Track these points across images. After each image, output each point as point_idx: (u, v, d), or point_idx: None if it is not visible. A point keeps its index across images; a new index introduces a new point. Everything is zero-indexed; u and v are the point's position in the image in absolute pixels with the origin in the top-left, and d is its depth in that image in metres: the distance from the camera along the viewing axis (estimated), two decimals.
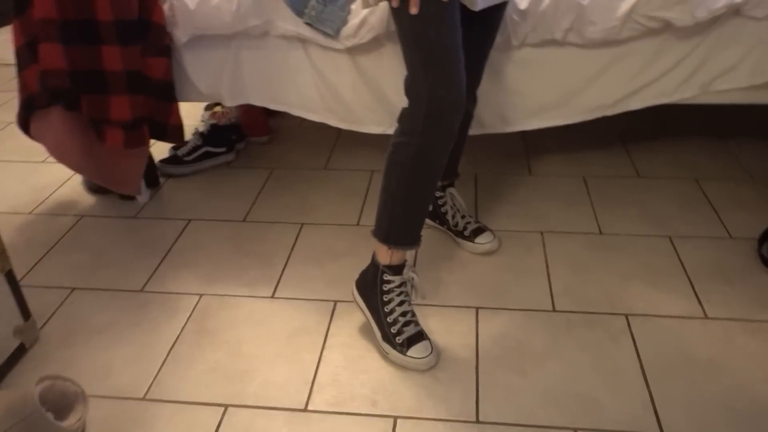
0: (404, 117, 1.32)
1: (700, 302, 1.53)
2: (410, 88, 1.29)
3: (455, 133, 1.28)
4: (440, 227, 1.78)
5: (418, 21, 1.22)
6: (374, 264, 1.42)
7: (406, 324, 1.38)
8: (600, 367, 1.36)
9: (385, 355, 1.39)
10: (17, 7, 1.60)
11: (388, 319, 1.39)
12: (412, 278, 1.41)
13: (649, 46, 1.63)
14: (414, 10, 1.19)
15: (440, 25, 1.22)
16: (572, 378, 1.33)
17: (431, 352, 1.36)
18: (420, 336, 1.38)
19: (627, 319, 1.48)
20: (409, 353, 1.36)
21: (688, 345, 1.41)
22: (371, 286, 1.42)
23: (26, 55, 1.63)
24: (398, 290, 1.41)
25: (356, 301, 1.47)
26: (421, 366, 1.35)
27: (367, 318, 1.44)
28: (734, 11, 1.56)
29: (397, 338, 1.37)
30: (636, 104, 1.72)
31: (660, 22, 1.56)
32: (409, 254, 1.55)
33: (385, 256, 1.39)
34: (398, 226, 1.37)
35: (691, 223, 1.82)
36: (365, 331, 1.47)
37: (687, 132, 2.31)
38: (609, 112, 1.75)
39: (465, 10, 1.30)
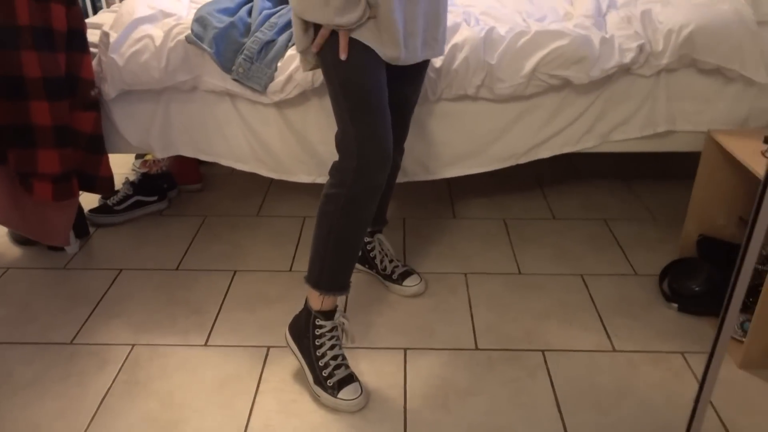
0: (335, 170, 1.40)
1: (608, 336, 1.65)
2: (340, 143, 1.38)
3: (383, 185, 1.38)
4: (369, 271, 1.86)
5: (347, 76, 1.32)
6: (306, 309, 1.48)
7: (337, 367, 1.44)
8: (519, 401, 1.45)
9: (316, 398, 1.44)
10: None
11: (319, 363, 1.45)
12: (343, 323, 1.48)
13: (553, 101, 1.79)
14: (343, 55, 1.29)
15: (368, 81, 1.32)
16: (494, 413, 1.42)
17: (361, 394, 1.42)
18: (350, 378, 1.44)
19: (543, 355, 1.59)
20: (339, 395, 1.41)
21: (598, 376, 1.52)
22: (303, 331, 1.48)
23: None
24: (329, 335, 1.47)
25: (289, 346, 1.52)
26: (351, 407, 1.41)
27: (299, 362, 1.49)
28: (625, 70, 1.74)
29: (329, 381, 1.42)
30: (545, 153, 1.87)
31: (560, 79, 1.72)
32: (340, 299, 1.61)
33: (317, 301, 1.45)
34: (329, 273, 1.43)
35: (601, 261, 1.96)
36: (298, 375, 1.51)
37: (597, 176, 2.50)
38: (522, 161, 1.89)
39: (391, 68, 1.41)
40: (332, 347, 1.46)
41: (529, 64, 1.69)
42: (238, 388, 1.49)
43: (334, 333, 1.47)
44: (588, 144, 1.85)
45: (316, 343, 1.46)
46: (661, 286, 1.82)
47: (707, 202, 1.82)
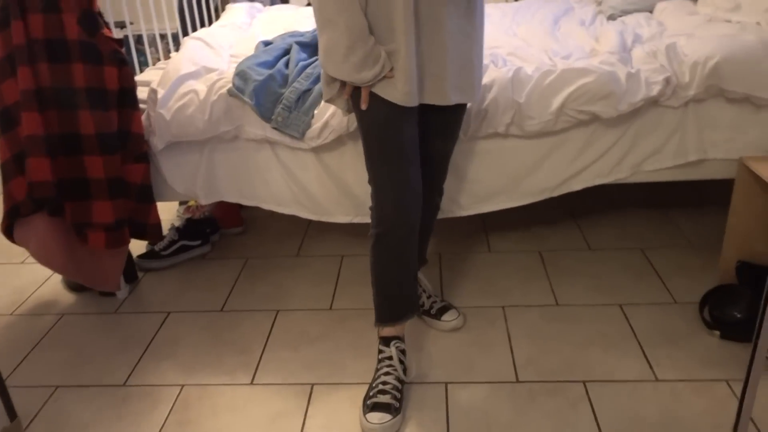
0: (373, 212, 1.50)
1: (650, 365, 1.65)
2: (371, 186, 1.47)
3: (412, 224, 1.46)
4: None
5: (369, 127, 1.41)
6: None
7: (381, 392, 1.51)
8: None
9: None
10: (4, 125, 1.73)
11: (372, 383, 1.55)
12: (395, 353, 1.56)
13: (582, 135, 1.83)
14: (363, 106, 1.39)
15: (389, 134, 1.41)
16: None
17: (385, 422, 1.46)
18: (386, 407, 1.48)
19: (585, 386, 1.59)
20: (367, 416, 1.47)
21: (641, 406, 1.52)
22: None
23: (12, 168, 1.74)
24: (387, 361, 1.56)
25: None
26: (367, 429, 1.46)
27: None
28: (652, 102, 1.78)
29: (368, 401, 1.51)
30: (577, 186, 1.90)
31: (588, 114, 1.76)
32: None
33: (379, 330, 1.61)
34: (378, 305, 1.58)
35: (640, 290, 1.96)
36: (343, 411, 1.55)
37: (631, 205, 2.51)
38: (554, 194, 1.92)
39: (427, 119, 1.51)
40: (386, 373, 1.54)
41: (557, 101, 1.74)
42: (285, 425, 1.53)
43: (390, 362, 1.55)
44: (620, 175, 1.87)
45: (377, 366, 1.57)
46: (702, 313, 1.81)
47: (744, 228, 1.82)
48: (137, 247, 2.32)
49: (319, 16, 1.34)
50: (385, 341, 1.58)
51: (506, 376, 1.64)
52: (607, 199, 2.57)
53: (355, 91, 1.41)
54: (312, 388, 1.64)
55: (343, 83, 1.42)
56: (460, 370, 1.67)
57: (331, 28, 1.32)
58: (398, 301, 1.57)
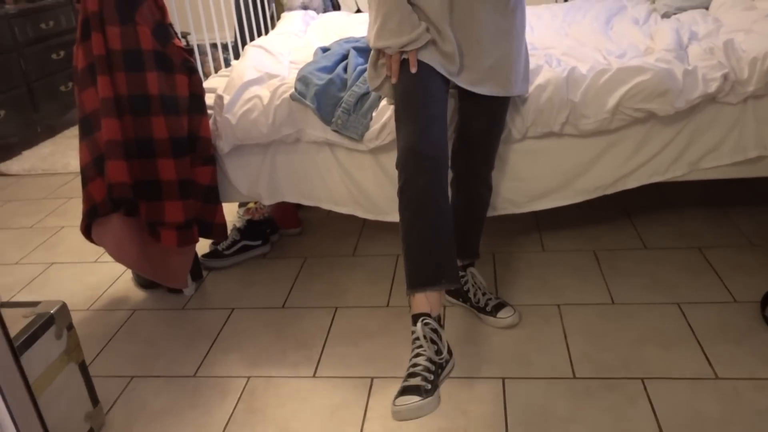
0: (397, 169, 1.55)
1: (710, 363, 1.64)
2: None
3: (432, 174, 1.46)
4: (464, 305, 1.94)
5: (400, 86, 1.55)
6: None
7: (411, 375, 1.35)
8: (620, 428, 1.47)
9: None
10: (85, 131, 1.85)
11: (407, 368, 1.39)
12: (421, 332, 1.40)
13: (638, 133, 1.84)
14: (394, 79, 1.55)
15: (414, 86, 1.53)
16: None
17: (411, 404, 1.29)
18: (415, 390, 1.32)
19: (643, 383, 1.60)
20: (395, 401, 1.31)
21: (701, 404, 1.52)
22: None
23: (92, 171, 1.87)
24: (416, 342, 1.41)
25: None
26: (392, 411, 1.30)
27: None
28: (710, 99, 1.77)
29: (401, 386, 1.35)
30: (632, 183, 1.90)
31: (645, 112, 1.77)
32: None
33: (411, 303, 1.47)
34: (409, 269, 1.47)
35: (698, 289, 1.95)
36: None
37: (687, 203, 2.48)
38: (609, 191, 1.93)
39: (465, 97, 1.64)
40: (416, 355, 1.38)
41: (613, 100, 1.75)
42: (347, 416, 1.59)
43: (418, 342, 1.40)
44: (677, 173, 1.87)
45: (411, 349, 1.42)
46: (764, 312, 1.79)
47: None
48: (202, 247, 2.43)
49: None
50: (414, 320, 1.44)
51: (563, 372, 1.66)
52: (662, 198, 2.55)
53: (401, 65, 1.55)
54: (372, 382, 1.70)
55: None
56: (516, 366, 1.70)
57: (374, 4, 1.49)
58: (425, 265, 1.44)
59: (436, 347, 1.41)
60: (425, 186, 1.46)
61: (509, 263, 2.20)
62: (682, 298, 1.92)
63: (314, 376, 1.74)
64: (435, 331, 1.43)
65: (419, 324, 1.42)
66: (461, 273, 1.91)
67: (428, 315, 1.44)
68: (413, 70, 1.50)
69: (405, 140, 1.50)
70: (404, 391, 1.33)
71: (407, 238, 1.49)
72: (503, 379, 1.66)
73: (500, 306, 1.87)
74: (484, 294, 1.89)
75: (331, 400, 1.64)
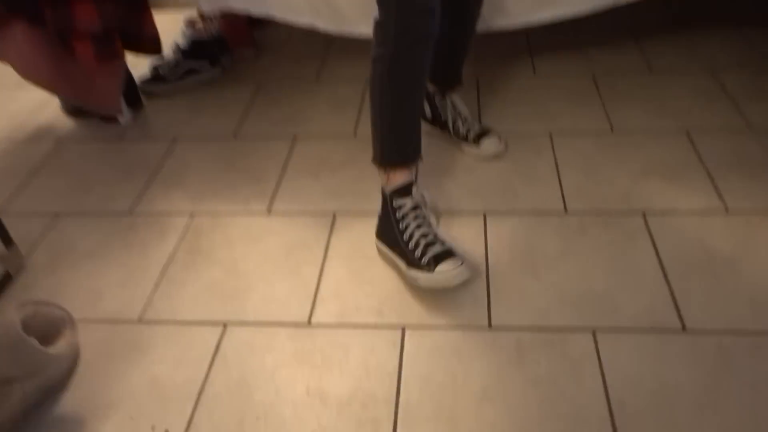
0: (377, 27, 1.21)
1: (720, 196, 1.44)
2: None
3: (430, 35, 1.19)
4: (441, 131, 1.67)
5: None
6: (383, 196, 1.33)
7: (430, 244, 1.24)
8: (617, 266, 1.28)
9: (414, 283, 1.25)
10: None
11: (409, 246, 1.26)
12: (424, 199, 1.31)
13: None
14: None
15: None
16: (588, 278, 1.26)
17: (462, 263, 1.21)
18: (447, 253, 1.23)
19: (644, 217, 1.40)
20: (438, 269, 1.20)
21: (709, 240, 1.33)
22: (386, 220, 1.31)
23: None
24: (413, 213, 1.29)
25: (379, 251, 1.36)
26: (451, 280, 1.20)
27: (392, 260, 1.31)
28: None
29: (423, 259, 1.23)
30: None
31: None
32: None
33: (387, 179, 1.31)
34: (389, 143, 1.30)
35: (709, 115, 1.70)
36: (367, 241, 1.39)
37: (700, 22, 2.16)
38: (621, 2, 1.60)
39: None
40: (419, 226, 1.27)
41: None
42: (305, 255, 1.38)
43: (417, 212, 1.29)
44: None
45: (401, 227, 1.28)
46: None
47: None
48: (140, 71, 2.08)
49: None
50: (403, 191, 1.29)
51: (553, 207, 1.45)
52: (670, 15, 2.22)
53: None
54: (334, 217, 1.48)
55: None
56: (500, 200, 1.48)
57: None
58: (412, 136, 1.31)
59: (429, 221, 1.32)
60: (423, 57, 1.22)
61: (495, 88, 1.91)
62: (691, 124, 1.67)
63: (268, 212, 1.51)
64: (424, 200, 1.33)
65: (415, 191, 1.31)
66: (440, 99, 1.63)
67: (414, 183, 1.33)
68: None
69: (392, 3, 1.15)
70: (441, 257, 1.22)
71: (394, 110, 1.27)
72: (485, 213, 1.45)
73: (484, 133, 1.61)
74: (465, 121, 1.63)
75: (286, 239, 1.43)
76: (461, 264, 1.22)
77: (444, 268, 1.20)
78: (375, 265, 1.34)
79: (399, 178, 1.31)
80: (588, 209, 1.44)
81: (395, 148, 1.31)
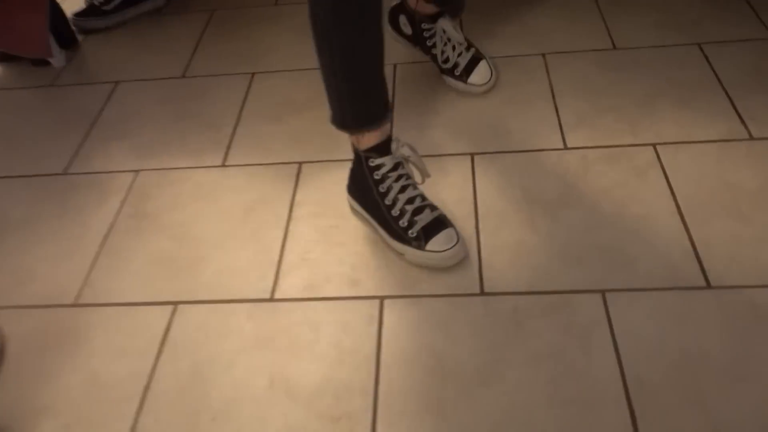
0: None
1: (742, 120, 1.25)
2: None
3: None
4: (424, 57, 1.45)
5: None
6: (356, 153, 1.10)
7: (417, 211, 1.06)
8: (626, 212, 1.11)
9: (401, 257, 1.08)
10: None
11: (392, 213, 1.07)
12: (407, 156, 1.09)
13: None
14: None
15: None
16: (594, 229, 1.09)
17: (457, 241, 1.05)
18: (438, 224, 1.06)
19: (655, 149, 1.21)
20: (428, 247, 1.05)
21: (732, 173, 1.15)
22: (362, 178, 1.10)
23: None
24: (394, 174, 1.08)
25: (352, 208, 1.16)
26: (446, 261, 1.05)
27: (370, 223, 1.13)
28: None
29: (410, 231, 1.05)
30: None
31: None
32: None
33: (357, 141, 1.08)
34: (351, 105, 1.05)
35: (726, 25, 1.49)
36: (338, 195, 1.20)
37: None
38: None
39: None
40: (402, 189, 1.08)
41: None
42: (266, 215, 1.19)
43: (400, 171, 1.08)
44: None
45: (380, 190, 1.08)
46: None
47: None
48: (73, 4, 1.82)
49: None
50: (381, 149, 1.08)
51: (550, 143, 1.26)
52: None
53: None
54: (300, 168, 1.28)
55: None
56: (489, 138, 1.29)
57: None
58: (377, 91, 1.06)
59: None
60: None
61: (477, 5, 1.67)
62: (705, 37, 1.46)
63: (223, 165, 1.31)
64: (408, 156, 1.10)
65: (397, 148, 1.09)
66: (429, 26, 1.39)
67: (394, 139, 1.10)
68: None
69: None
70: (431, 228, 1.05)
71: (349, 64, 1.00)
72: (472, 155, 1.25)
73: (474, 62, 1.39)
74: (453, 49, 1.40)
75: (245, 196, 1.23)
76: (456, 242, 1.05)
77: (436, 246, 1.04)
78: (348, 223, 1.16)
79: (372, 139, 1.07)
80: (591, 143, 1.24)
81: (361, 108, 1.06)
